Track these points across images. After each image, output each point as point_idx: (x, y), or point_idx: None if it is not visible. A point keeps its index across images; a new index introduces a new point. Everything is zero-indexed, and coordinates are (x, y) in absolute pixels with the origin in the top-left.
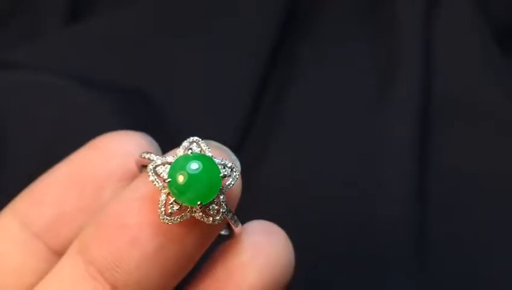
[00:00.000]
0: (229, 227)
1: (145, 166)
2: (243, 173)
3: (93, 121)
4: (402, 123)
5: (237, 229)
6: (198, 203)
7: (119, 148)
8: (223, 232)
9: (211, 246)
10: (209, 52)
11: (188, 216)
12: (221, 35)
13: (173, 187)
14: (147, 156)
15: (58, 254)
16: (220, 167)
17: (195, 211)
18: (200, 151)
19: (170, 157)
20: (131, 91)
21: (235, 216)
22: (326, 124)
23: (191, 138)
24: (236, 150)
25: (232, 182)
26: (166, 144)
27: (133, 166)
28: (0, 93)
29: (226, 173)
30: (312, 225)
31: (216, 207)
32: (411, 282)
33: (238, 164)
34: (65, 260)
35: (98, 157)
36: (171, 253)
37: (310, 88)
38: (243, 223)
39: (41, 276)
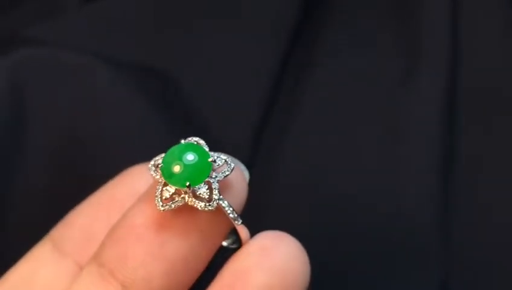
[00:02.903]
0: (237, 237)
1: None
2: (262, 156)
3: (112, 99)
4: (426, 111)
5: (241, 227)
6: (187, 184)
7: (145, 178)
8: (233, 246)
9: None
10: (229, 35)
11: (181, 202)
12: (242, 19)
13: (164, 171)
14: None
15: None
16: (214, 157)
17: (187, 198)
18: None
19: None
20: (151, 71)
21: (234, 211)
22: (347, 112)
23: (191, 138)
24: (256, 135)
25: (227, 172)
26: (186, 124)
27: None
28: (20, 69)
29: (219, 162)
30: (332, 217)
31: (207, 191)
32: (435, 275)
33: (242, 166)
34: (84, 269)
35: (130, 183)
36: (175, 249)
37: (330, 76)
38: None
39: None
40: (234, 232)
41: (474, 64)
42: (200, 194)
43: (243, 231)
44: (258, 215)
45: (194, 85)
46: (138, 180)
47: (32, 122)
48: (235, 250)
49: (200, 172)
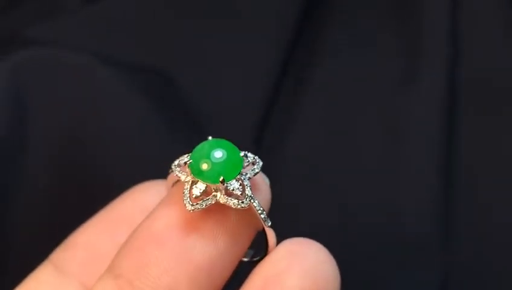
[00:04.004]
0: (255, 251)
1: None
2: (263, 157)
3: (112, 99)
4: (426, 111)
5: (269, 230)
6: (221, 179)
7: (155, 193)
8: (253, 259)
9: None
10: (229, 35)
11: (213, 201)
12: (242, 19)
13: (194, 167)
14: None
15: None
16: (244, 152)
17: (219, 195)
18: None
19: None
20: (150, 71)
21: (264, 211)
22: (347, 112)
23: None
24: (257, 135)
25: (256, 169)
26: (186, 124)
27: None
28: (21, 70)
29: (250, 159)
30: (332, 217)
31: (240, 187)
32: (435, 275)
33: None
34: (95, 284)
35: (135, 201)
36: (200, 254)
37: (330, 76)
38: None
39: None
40: (251, 246)
41: (474, 64)
42: (233, 190)
43: (271, 235)
44: None
45: (194, 85)
46: (145, 198)
47: (33, 122)
48: (256, 261)
49: (233, 167)
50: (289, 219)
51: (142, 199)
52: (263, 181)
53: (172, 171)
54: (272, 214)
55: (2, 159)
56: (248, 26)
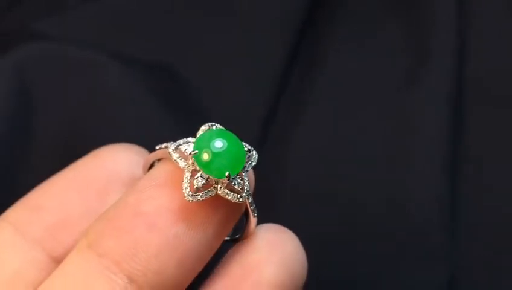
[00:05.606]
0: (233, 231)
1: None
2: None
3: (118, 95)
4: (433, 110)
5: (254, 220)
6: (227, 174)
7: (123, 156)
8: (232, 238)
9: (220, 250)
10: (235, 32)
11: (213, 193)
12: (247, 15)
13: (200, 159)
14: (164, 144)
15: (61, 261)
16: (247, 146)
17: (220, 187)
18: None
19: (191, 138)
20: (155, 66)
21: (254, 204)
22: (353, 110)
23: (209, 123)
24: (263, 131)
25: (253, 163)
26: (193, 120)
27: (138, 173)
28: (28, 64)
29: (252, 152)
30: (340, 206)
31: (241, 182)
32: (442, 275)
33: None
34: (72, 257)
35: (102, 164)
36: (191, 240)
37: (336, 74)
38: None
39: (40, 284)
40: None
41: (481, 62)
42: (234, 185)
43: (253, 222)
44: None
45: (202, 81)
46: (114, 161)
47: (39, 118)
48: (233, 241)
49: (238, 161)
50: (295, 214)
51: (109, 163)
52: (251, 173)
53: (170, 154)
54: (279, 209)
55: (6, 154)
56: (253, 24)
